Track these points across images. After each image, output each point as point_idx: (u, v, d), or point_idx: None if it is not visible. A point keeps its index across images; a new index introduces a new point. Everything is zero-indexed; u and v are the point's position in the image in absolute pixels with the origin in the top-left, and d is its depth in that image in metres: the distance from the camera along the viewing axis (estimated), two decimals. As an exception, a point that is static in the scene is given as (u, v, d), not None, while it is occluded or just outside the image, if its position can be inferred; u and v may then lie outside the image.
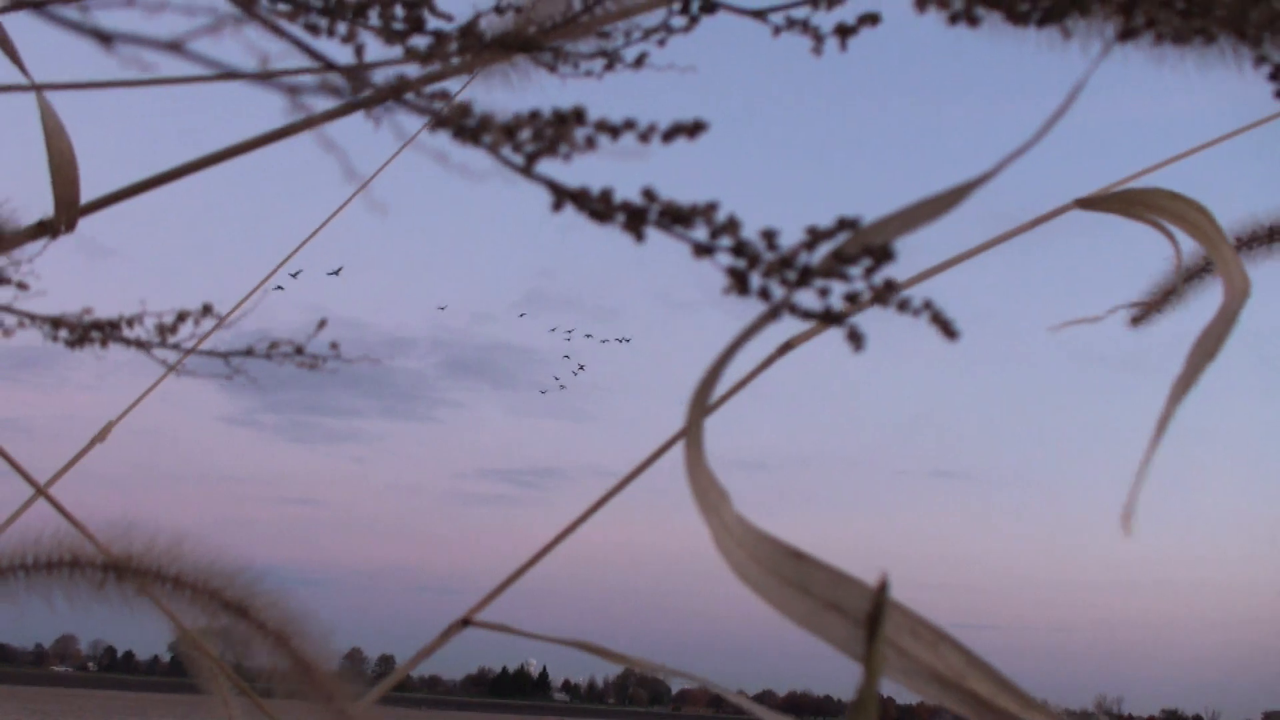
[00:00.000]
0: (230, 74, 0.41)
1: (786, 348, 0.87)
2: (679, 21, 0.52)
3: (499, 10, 0.52)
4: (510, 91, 0.59)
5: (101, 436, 0.97)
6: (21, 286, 0.63)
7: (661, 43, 0.53)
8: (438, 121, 0.39)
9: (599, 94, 0.55)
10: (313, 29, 0.43)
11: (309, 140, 0.60)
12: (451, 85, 0.59)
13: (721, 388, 0.82)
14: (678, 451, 0.51)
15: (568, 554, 0.80)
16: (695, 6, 0.52)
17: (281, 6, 0.45)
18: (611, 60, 0.53)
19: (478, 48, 0.47)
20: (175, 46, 0.28)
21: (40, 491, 0.78)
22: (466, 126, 0.39)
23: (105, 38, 0.28)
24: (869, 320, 0.42)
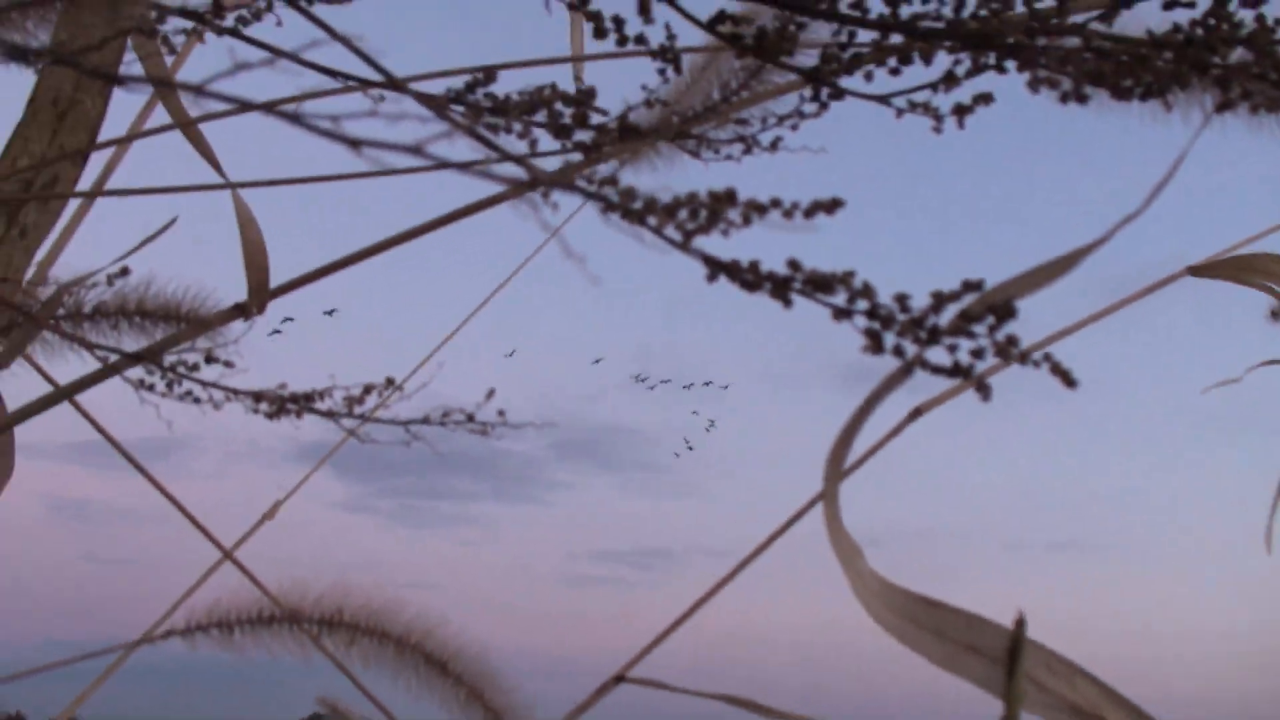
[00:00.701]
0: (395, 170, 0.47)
1: (916, 413, 0.91)
2: (810, 108, 0.57)
3: (648, 104, 0.58)
4: (656, 174, 0.65)
5: (271, 514, 1.05)
6: (228, 365, 0.70)
7: (794, 127, 0.59)
8: (607, 205, 0.45)
9: (738, 174, 0.61)
10: (492, 127, 0.49)
11: (464, 230, 0.67)
12: (603, 169, 0.65)
13: (854, 454, 0.85)
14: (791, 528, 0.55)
15: (685, 637, 0.84)
16: (824, 94, 0.57)
17: (457, 109, 0.52)
18: (749, 145, 0.59)
19: (632, 138, 0.52)
20: (416, 150, 0.34)
21: (227, 555, 0.84)
22: (633, 209, 0.44)
23: (354, 143, 0.34)
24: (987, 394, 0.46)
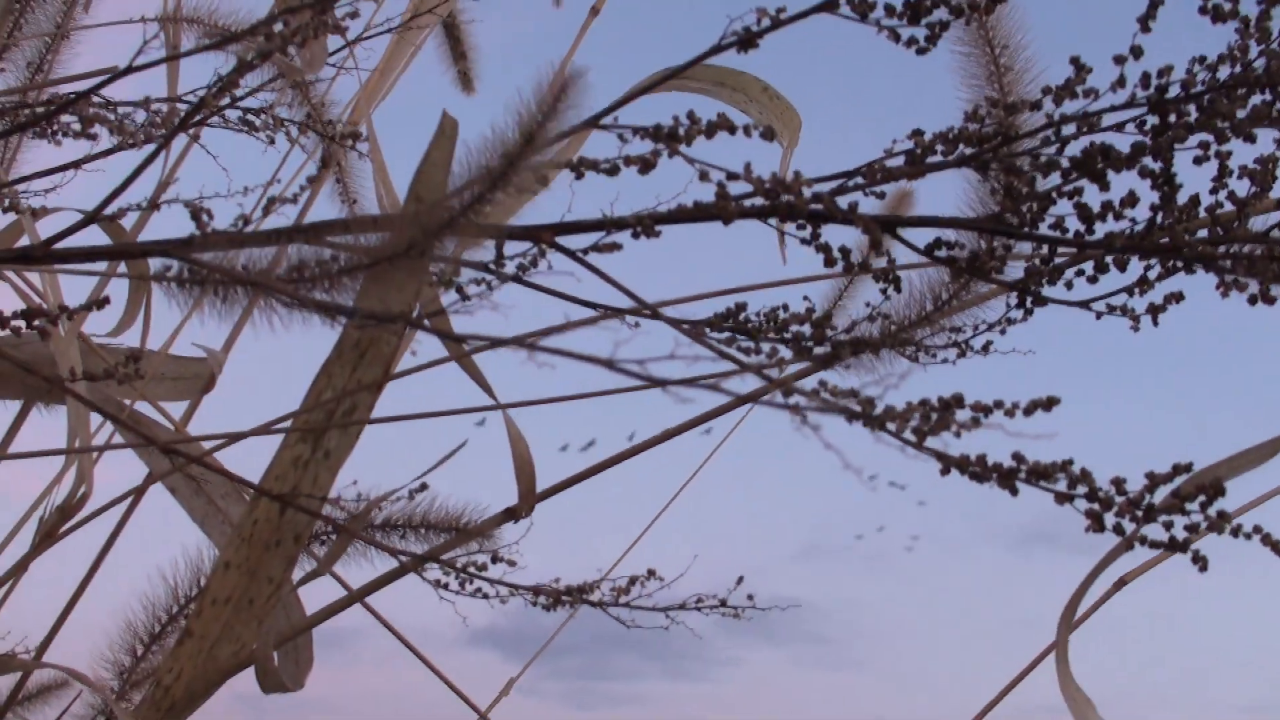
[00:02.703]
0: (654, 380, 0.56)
1: (1121, 583, 0.95)
2: (1016, 314, 0.64)
3: (870, 319, 0.66)
4: (876, 375, 0.72)
5: (506, 690, 1.14)
6: (510, 563, 0.79)
7: (1003, 332, 0.66)
8: (851, 414, 0.52)
9: (953, 375, 0.68)
10: (745, 350, 0.58)
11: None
12: (827, 374, 0.72)
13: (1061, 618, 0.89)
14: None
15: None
16: (1029, 302, 0.63)
17: (717, 335, 0.60)
18: (963, 349, 0.66)
19: (864, 351, 0.60)
20: (674, 381, 0.42)
21: (482, 716, 0.92)
22: (874, 415, 0.51)
23: (642, 379, 0.43)
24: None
